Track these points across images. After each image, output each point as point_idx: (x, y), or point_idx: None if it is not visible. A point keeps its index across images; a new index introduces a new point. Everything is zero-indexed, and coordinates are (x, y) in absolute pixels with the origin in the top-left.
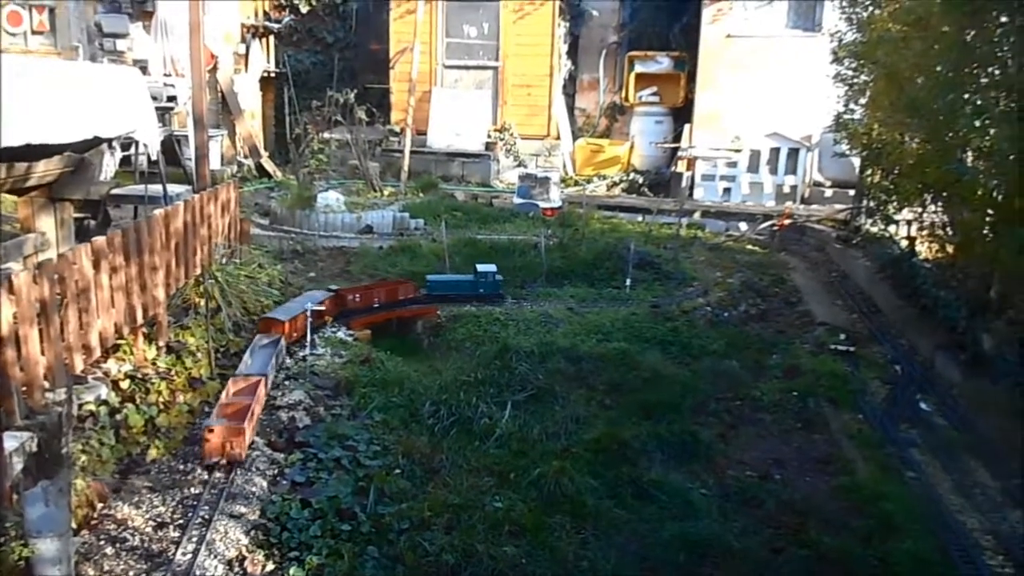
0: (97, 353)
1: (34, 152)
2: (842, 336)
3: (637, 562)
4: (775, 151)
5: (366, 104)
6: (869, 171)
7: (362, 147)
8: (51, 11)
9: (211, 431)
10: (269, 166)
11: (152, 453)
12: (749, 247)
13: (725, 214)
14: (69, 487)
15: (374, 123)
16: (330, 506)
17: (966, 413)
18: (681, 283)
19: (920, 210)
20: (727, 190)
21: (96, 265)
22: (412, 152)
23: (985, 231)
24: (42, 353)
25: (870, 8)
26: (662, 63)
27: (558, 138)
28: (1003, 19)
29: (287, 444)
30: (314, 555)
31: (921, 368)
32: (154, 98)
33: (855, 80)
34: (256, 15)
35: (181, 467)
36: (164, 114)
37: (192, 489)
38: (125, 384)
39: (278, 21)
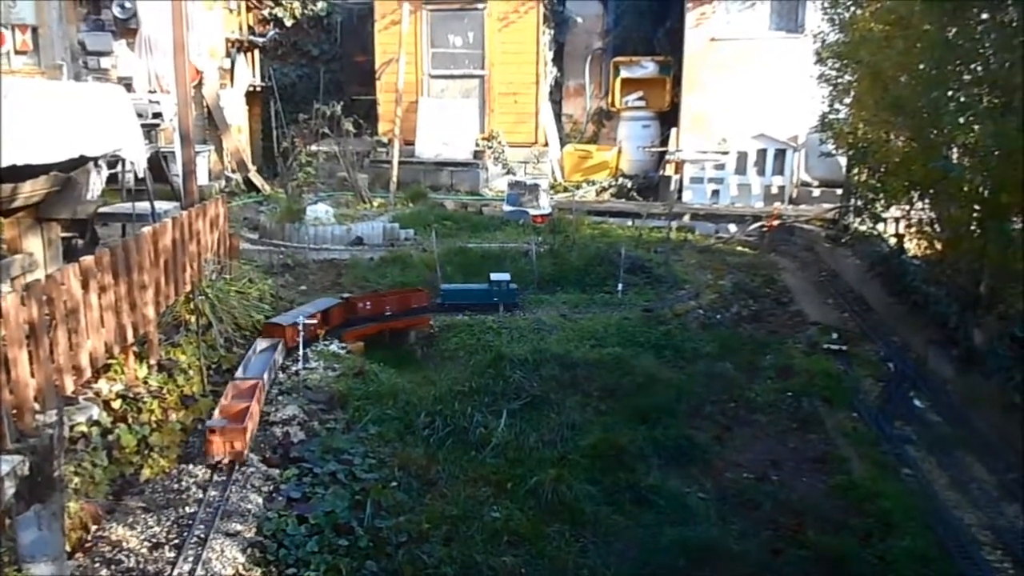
0: (88, 374)
1: (20, 173)
2: (834, 335)
3: (637, 568)
4: (762, 152)
5: (353, 116)
6: (856, 170)
7: (350, 159)
8: (34, 30)
9: (213, 432)
10: (257, 180)
11: (146, 473)
12: (739, 249)
13: (714, 216)
14: (62, 510)
15: (362, 134)
16: (327, 521)
17: (960, 408)
18: (672, 286)
19: (908, 207)
20: (715, 192)
21: (85, 285)
22: (400, 162)
23: (972, 227)
24: (32, 375)
25: (852, 8)
26: (647, 68)
27: (546, 145)
28: (984, 16)
29: (282, 460)
30: (312, 571)
31: (914, 365)
32: (140, 115)
33: (839, 80)
34: (241, 30)
35: (175, 486)
36: (150, 131)
37: (187, 508)
38: (117, 404)
39: (263, 35)
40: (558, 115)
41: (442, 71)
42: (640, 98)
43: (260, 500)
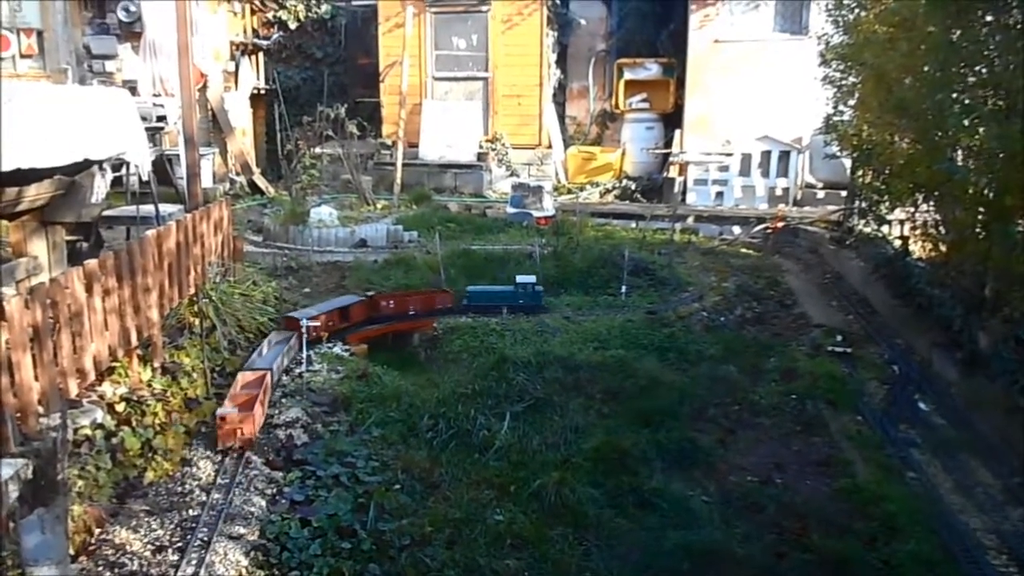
0: (92, 377)
1: (25, 176)
2: (838, 337)
3: (640, 572)
4: (766, 154)
5: (357, 118)
6: (860, 172)
7: (354, 161)
8: (39, 34)
9: (223, 419)
10: (261, 183)
11: (149, 476)
12: (743, 251)
13: (718, 218)
14: (66, 513)
15: (365, 137)
16: (330, 524)
17: (964, 412)
18: (676, 288)
19: (912, 209)
20: (719, 194)
21: (89, 288)
22: (404, 165)
23: (977, 229)
24: (36, 379)
25: (856, 10)
26: (651, 69)
27: (550, 147)
28: (988, 18)
29: (285, 462)
30: (315, 574)
31: (918, 368)
32: (144, 118)
33: (843, 82)
34: (245, 33)
35: (179, 489)
36: (154, 134)
37: (190, 511)
38: (121, 407)
39: (267, 38)
40: (562, 117)
41: (446, 73)
42: (644, 100)
43: (263, 503)
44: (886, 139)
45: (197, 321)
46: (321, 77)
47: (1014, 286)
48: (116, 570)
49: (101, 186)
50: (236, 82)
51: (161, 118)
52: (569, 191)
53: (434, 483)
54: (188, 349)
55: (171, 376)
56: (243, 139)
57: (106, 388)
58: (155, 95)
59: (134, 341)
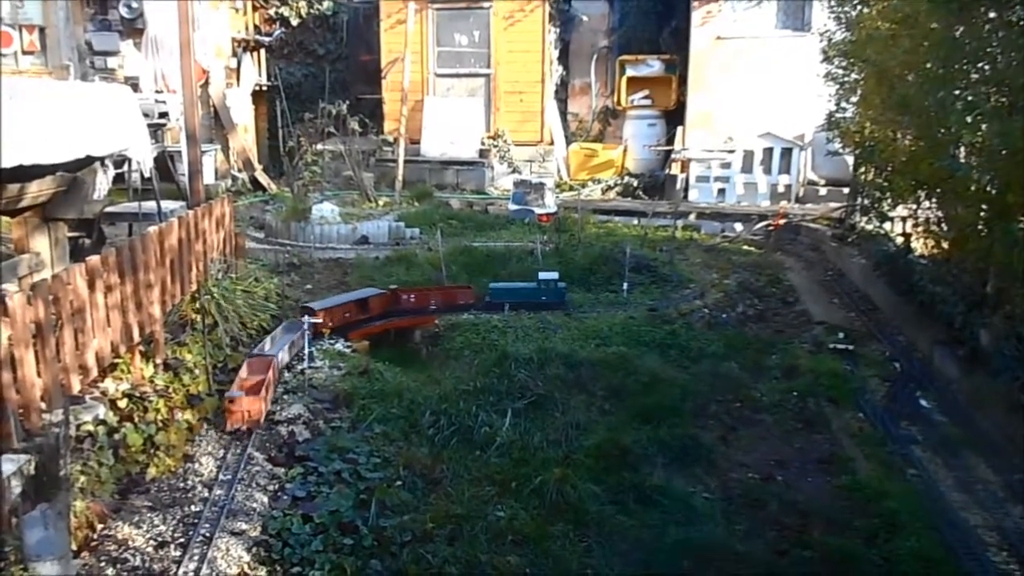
0: (94, 373)
1: (27, 173)
2: (840, 335)
3: (641, 569)
4: (768, 151)
5: (359, 115)
6: (862, 169)
7: (356, 158)
8: (41, 30)
9: (232, 402)
10: (263, 179)
11: (152, 472)
12: (745, 248)
13: (720, 215)
14: (68, 509)
15: (367, 133)
16: (331, 520)
17: (966, 409)
18: (678, 285)
19: (914, 207)
20: (722, 191)
21: (91, 284)
22: (406, 161)
23: (979, 226)
24: (38, 375)
25: (858, 7)
26: (653, 66)
27: (551, 143)
28: (991, 14)
29: (287, 459)
30: (316, 570)
31: (920, 365)
32: (146, 115)
33: (846, 79)
34: (247, 29)
35: (181, 485)
36: (156, 130)
37: (193, 507)
38: (123, 403)
39: (269, 35)
40: (564, 114)
41: (448, 70)
42: (646, 97)
43: (265, 499)
44: (888, 136)
45: (199, 317)
46: (323, 73)
47: (1016, 283)
48: (118, 566)
49: (103, 182)
50: (238, 78)
51: (163, 114)
52: (571, 188)
53: (436, 479)
54: (190, 345)
55: (173, 372)
56: (245, 135)
57: (108, 384)
58: (157, 91)
59: (136, 337)
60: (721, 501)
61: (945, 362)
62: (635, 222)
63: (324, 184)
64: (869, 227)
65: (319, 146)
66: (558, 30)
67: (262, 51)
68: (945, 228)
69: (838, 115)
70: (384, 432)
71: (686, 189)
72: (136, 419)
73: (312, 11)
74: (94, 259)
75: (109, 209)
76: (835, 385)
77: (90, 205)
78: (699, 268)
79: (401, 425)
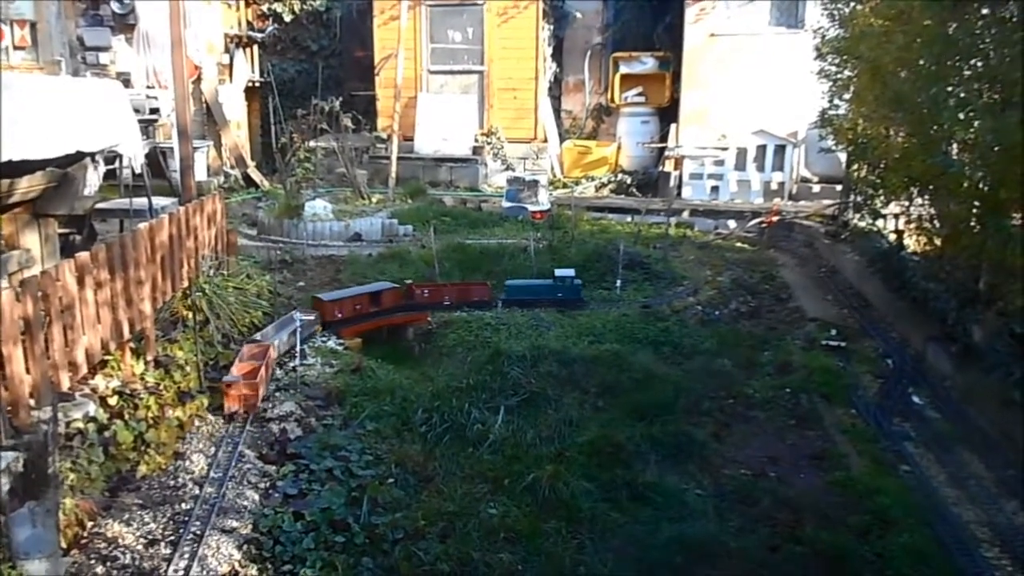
0: (84, 370)
1: (16, 168)
2: (833, 331)
3: (634, 565)
4: (762, 148)
5: (352, 111)
6: (855, 166)
7: (349, 154)
8: (32, 26)
9: (230, 386)
10: (256, 176)
11: (142, 469)
12: (738, 245)
13: (714, 212)
14: (57, 507)
15: (360, 130)
16: (323, 518)
17: (958, 405)
18: (671, 282)
19: (907, 203)
20: (715, 188)
21: (80, 281)
22: (399, 158)
23: (972, 223)
24: (27, 371)
25: (852, 4)
26: (647, 63)
27: (545, 140)
28: (984, 11)
29: (279, 456)
30: (308, 568)
31: (912, 361)
32: (137, 111)
33: (839, 76)
34: (239, 25)
35: (172, 482)
36: (148, 126)
37: (183, 504)
38: (113, 400)
39: (262, 31)
40: (557, 111)
41: (441, 67)
42: (639, 94)
43: (256, 497)
44: (881, 133)
45: (190, 314)
46: (316, 70)
47: (1008, 279)
48: (108, 563)
49: (94, 179)
50: (231, 75)
51: (155, 110)
52: (564, 185)
53: (428, 477)
54: (181, 342)
55: (164, 369)
56: (237, 132)
57: (98, 381)
58: (149, 87)
59: (127, 334)
60: (714, 497)
61: (938, 358)
62: (628, 219)
63: (317, 181)
64: (862, 224)
65: (312, 143)
66: (551, 27)
67: (255, 47)
68: (938, 225)
69: (831, 112)
70: (376, 429)
71: (679, 186)
72: (127, 416)
73: (305, 7)
74: (84, 255)
75: (100, 205)
76: (828, 381)
77: (81, 201)
78: (692, 265)
79: (393, 422)
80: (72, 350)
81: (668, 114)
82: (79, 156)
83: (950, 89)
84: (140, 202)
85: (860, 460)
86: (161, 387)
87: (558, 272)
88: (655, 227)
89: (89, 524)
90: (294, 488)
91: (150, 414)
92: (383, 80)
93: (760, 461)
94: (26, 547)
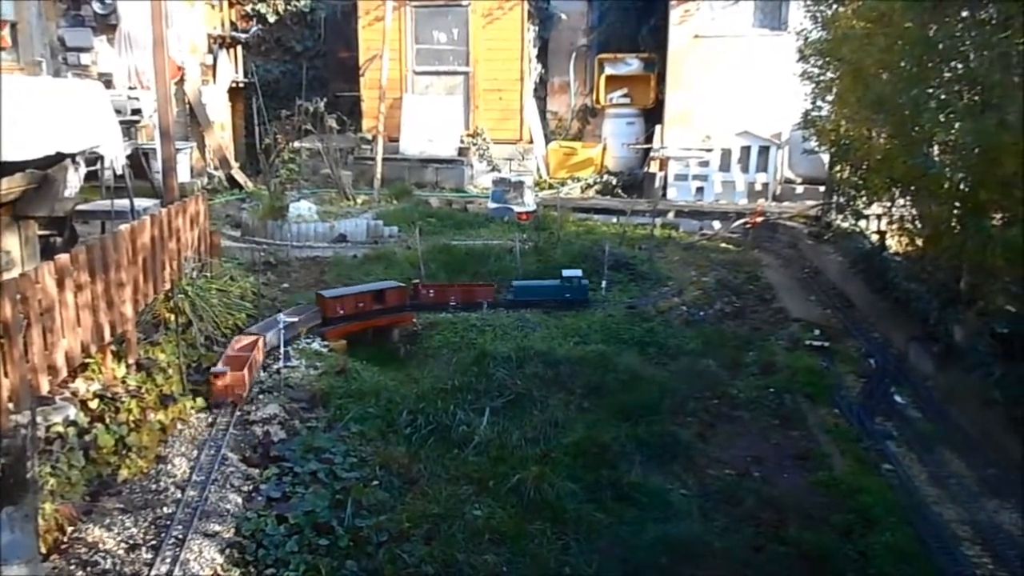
0: (64, 373)
1: None
2: (816, 331)
3: (619, 566)
4: (746, 149)
5: (337, 112)
6: (838, 167)
7: (334, 156)
8: (13, 26)
9: (217, 377)
10: (240, 177)
11: (123, 473)
12: (723, 245)
13: (698, 213)
14: (36, 512)
15: (345, 131)
16: (307, 521)
17: (940, 404)
18: (656, 283)
19: (889, 204)
20: (700, 189)
21: (60, 283)
22: (385, 159)
23: (952, 223)
24: (5, 375)
25: (834, 6)
26: (632, 65)
27: (531, 142)
28: (964, 14)
29: (262, 459)
30: (291, 571)
31: (895, 361)
32: (119, 111)
33: (822, 77)
34: (223, 25)
35: (153, 486)
36: (130, 127)
37: (165, 508)
38: (94, 404)
39: (245, 31)
40: (543, 112)
41: (426, 67)
42: (625, 95)
43: (239, 500)
44: (863, 134)
45: (173, 317)
46: (300, 71)
47: (988, 280)
48: (89, 569)
49: (74, 180)
50: (214, 75)
51: (136, 111)
52: (550, 186)
53: (412, 479)
54: (163, 345)
55: (146, 372)
56: (221, 133)
57: (79, 385)
58: (130, 88)
59: (108, 337)
60: (698, 497)
61: (920, 358)
62: (614, 220)
63: (301, 182)
64: (845, 225)
65: (296, 144)
66: (537, 28)
67: (239, 48)
68: (919, 225)
69: (814, 113)
70: (361, 431)
71: (665, 187)
72: (107, 420)
73: (289, 7)
74: (63, 257)
75: (81, 207)
76: (811, 381)
77: (61, 203)
78: (677, 266)
79: (378, 424)
80: (52, 353)
81: (653, 115)
82: (60, 157)
83: (931, 91)
84: (122, 204)
85: (843, 459)
86: (143, 390)
87: (565, 272)
88: (640, 228)
89: (69, 529)
90: (277, 491)
91: (131, 417)
92: (368, 81)
93: (744, 461)
94: (5, 553)
